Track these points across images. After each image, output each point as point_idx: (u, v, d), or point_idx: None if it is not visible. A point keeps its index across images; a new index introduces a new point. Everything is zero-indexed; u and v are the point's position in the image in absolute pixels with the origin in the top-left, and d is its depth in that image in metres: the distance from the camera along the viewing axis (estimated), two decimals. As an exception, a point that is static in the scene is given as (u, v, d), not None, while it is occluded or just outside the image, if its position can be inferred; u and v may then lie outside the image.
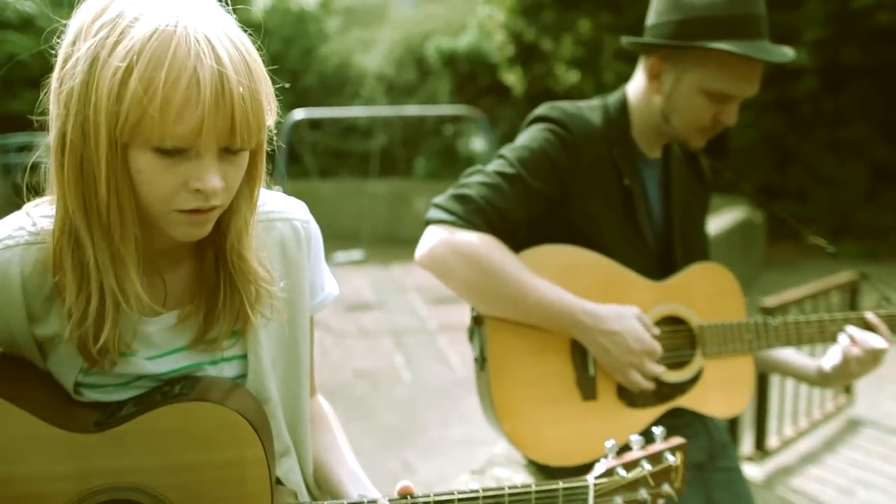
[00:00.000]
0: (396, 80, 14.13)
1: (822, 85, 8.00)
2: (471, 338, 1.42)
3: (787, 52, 1.29)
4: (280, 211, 0.99)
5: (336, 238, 8.38)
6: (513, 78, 11.17)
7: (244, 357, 0.95)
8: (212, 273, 0.90)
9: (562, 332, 1.32)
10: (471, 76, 12.77)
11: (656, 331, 1.32)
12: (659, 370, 1.30)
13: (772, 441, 3.21)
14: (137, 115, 0.71)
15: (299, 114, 9.98)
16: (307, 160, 12.04)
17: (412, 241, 1.36)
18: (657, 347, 1.29)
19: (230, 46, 0.76)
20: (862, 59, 7.67)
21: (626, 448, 0.97)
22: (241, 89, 0.75)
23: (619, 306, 1.31)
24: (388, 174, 12.69)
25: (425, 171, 13.63)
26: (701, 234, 1.57)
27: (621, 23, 9.32)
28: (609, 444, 0.95)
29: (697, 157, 1.58)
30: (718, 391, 1.42)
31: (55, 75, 0.77)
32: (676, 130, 1.38)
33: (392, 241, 10.88)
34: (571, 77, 10.08)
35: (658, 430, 1.01)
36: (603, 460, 0.95)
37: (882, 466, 3.17)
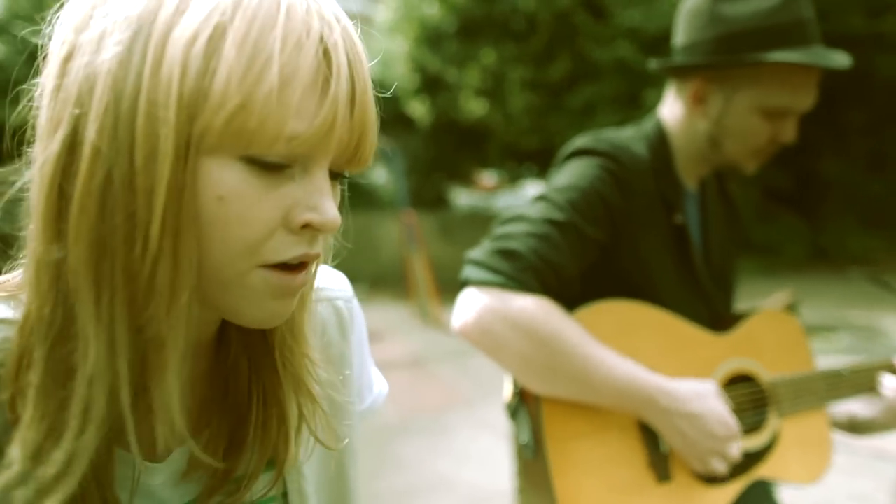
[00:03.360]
0: (295, 111, 13.75)
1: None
2: (513, 416, 1.19)
3: (844, 58, 1.17)
4: (320, 287, 0.68)
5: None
6: (418, 108, 11.12)
7: (284, 498, 0.65)
8: (243, 375, 0.58)
9: (632, 413, 1.13)
10: (373, 107, 12.64)
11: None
12: (736, 454, 1.13)
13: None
14: (239, 100, 0.43)
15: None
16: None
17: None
18: (738, 433, 1.14)
19: (348, 21, 0.51)
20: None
21: None
22: (370, 81, 0.50)
23: (695, 383, 1.14)
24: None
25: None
26: (734, 273, 1.44)
27: (526, 53, 9.50)
28: None
29: (725, 183, 1.44)
30: (798, 454, 1.26)
31: (49, 71, 0.46)
32: (728, 156, 1.25)
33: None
34: (478, 107, 10.14)
35: None
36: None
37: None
